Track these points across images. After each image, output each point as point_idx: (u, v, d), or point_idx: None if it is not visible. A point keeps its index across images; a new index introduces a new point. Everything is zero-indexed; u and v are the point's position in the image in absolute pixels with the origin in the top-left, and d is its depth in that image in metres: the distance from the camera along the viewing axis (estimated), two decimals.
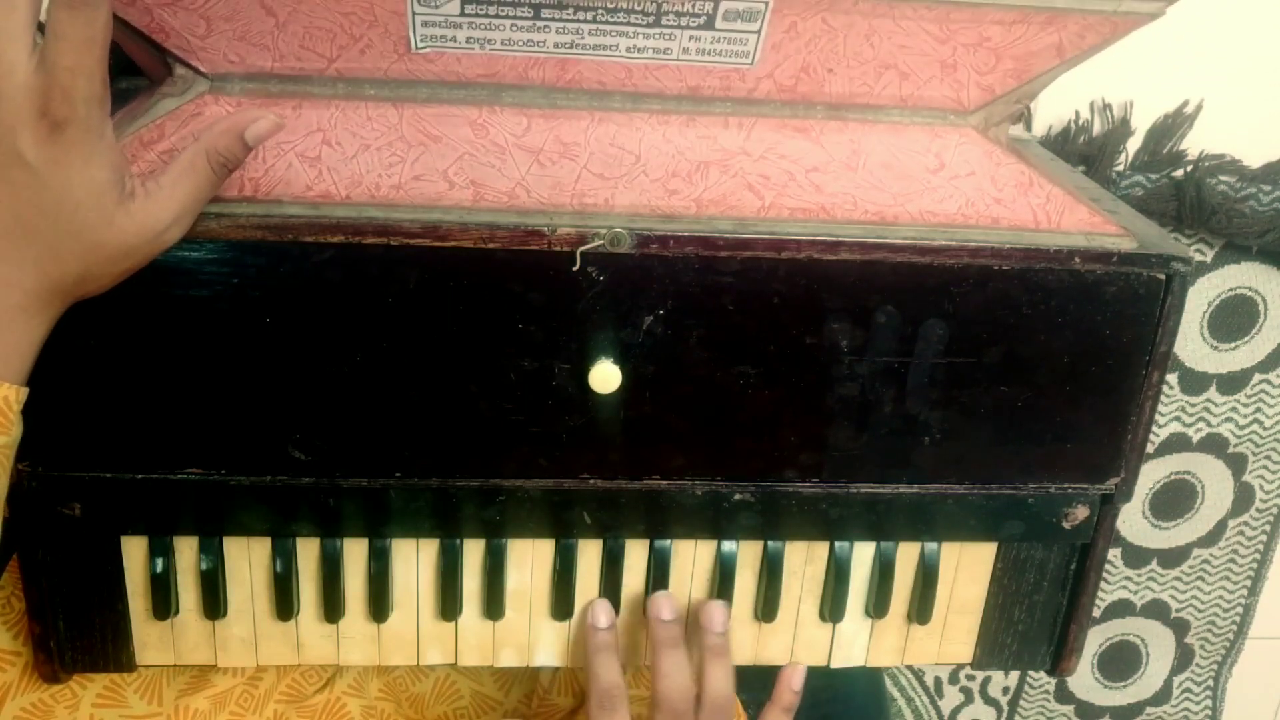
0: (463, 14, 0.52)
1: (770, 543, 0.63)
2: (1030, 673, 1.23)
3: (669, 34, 0.53)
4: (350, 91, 0.55)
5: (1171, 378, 1.06)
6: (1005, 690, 1.24)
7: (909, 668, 1.21)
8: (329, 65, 0.54)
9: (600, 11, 0.52)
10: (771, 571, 0.64)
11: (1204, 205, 0.94)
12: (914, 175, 0.58)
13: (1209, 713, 1.30)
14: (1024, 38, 0.55)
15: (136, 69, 0.57)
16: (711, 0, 0.52)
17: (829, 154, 0.57)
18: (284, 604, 0.62)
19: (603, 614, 0.63)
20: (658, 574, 0.63)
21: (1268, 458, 1.13)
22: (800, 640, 0.67)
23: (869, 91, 0.57)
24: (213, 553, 0.60)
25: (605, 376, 0.56)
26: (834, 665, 0.68)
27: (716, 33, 0.53)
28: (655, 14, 0.52)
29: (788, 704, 0.64)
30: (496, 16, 0.52)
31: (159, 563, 0.60)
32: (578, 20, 0.52)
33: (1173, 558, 1.18)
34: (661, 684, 0.60)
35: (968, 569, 0.66)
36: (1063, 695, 1.26)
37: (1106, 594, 1.19)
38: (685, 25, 0.53)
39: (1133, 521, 1.15)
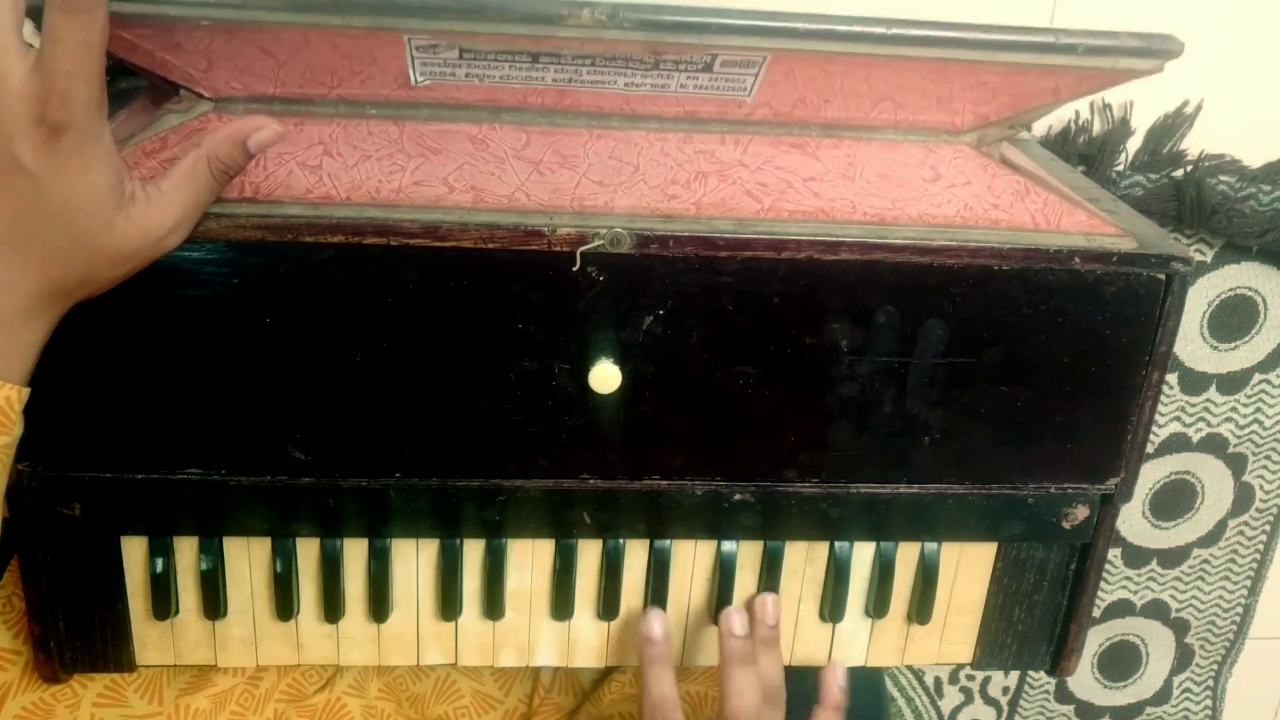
0: (461, 58, 0.52)
1: (770, 543, 0.63)
2: (1030, 673, 1.23)
3: (666, 75, 0.53)
4: (351, 111, 0.56)
5: (1171, 378, 1.06)
6: (1005, 690, 1.24)
7: (909, 668, 1.21)
8: (330, 91, 0.55)
9: (598, 59, 0.52)
10: (771, 571, 0.64)
11: (1204, 205, 0.94)
12: (911, 184, 0.58)
13: (1209, 713, 1.30)
14: (1021, 83, 0.55)
15: (136, 70, 0.57)
16: (709, 53, 0.52)
17: (825, 166, 0.57)
18: (284, 604, 0.62)
19: (657, 626, 0.62)
20: (658, 574, 0.63)
21: (1268, 458, 1.13)
22: (800, 640, 0.67)
23: (864, 116, 0.57)
24: (213, 553, 0.60)
25: (605, 376, 0.56)
26: None
27: (714, 74, 0.53)
28: (653, 63, 0.52)
29: (837, 703, 0.63)
30: (494, 62, 0.52)
31: (159, 563, 0.60)
32: (575, 64, 0.52)
33: (1173, 558, 1.18)
34: (734, 701, 0.59)
35: (968, 569, 0.66)
36: (1063, 695, 1.26)
37: (1106, 594, 1.19)
38: (683, 69, 0.53)
39: (1133, 521, 1.15)
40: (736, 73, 0.53)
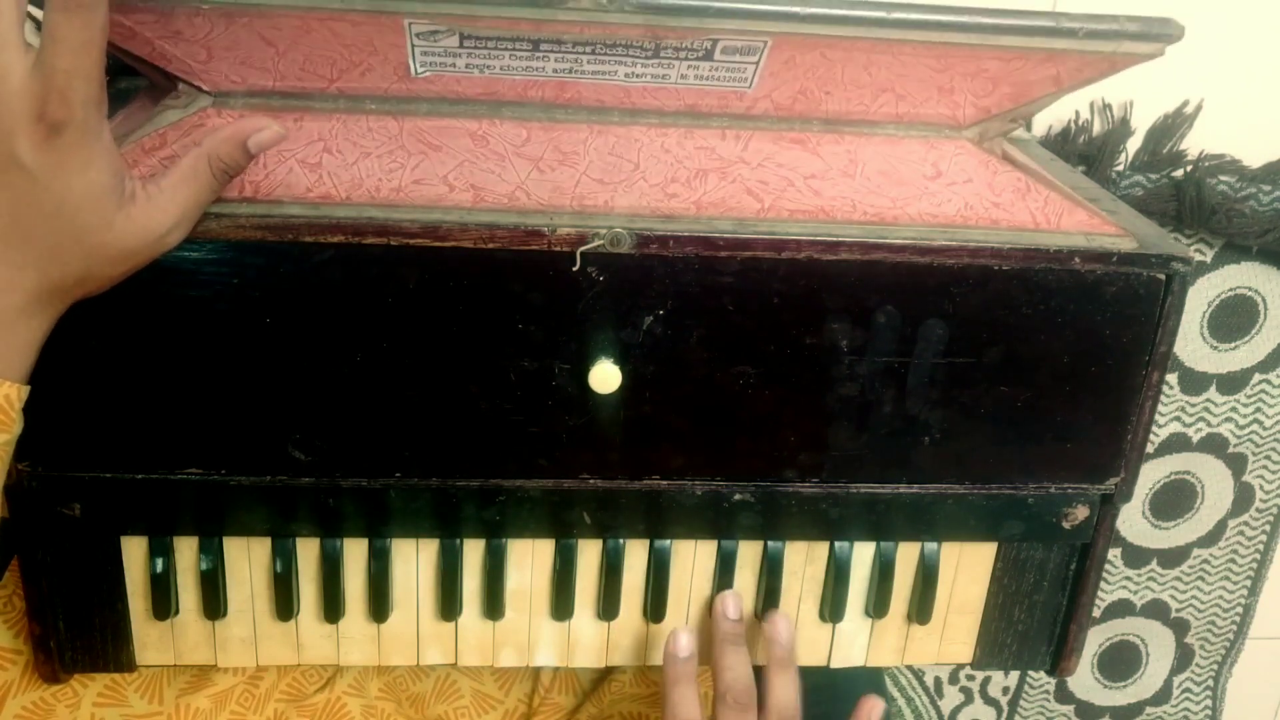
0: (461, 46, 0.52)
1: (770, 543, 0.63)
2: (1030, 673, 1.23)
3: (667, 64, 0.53)
4: (351, 106, 0.55)
5: (1171, 378, 1.06)
6: (1005, 690, 1.24)
7: (909, 668, 1.21)
8: (330, 85, 0.54)
9: (599, 45, 0.52)
10: (771, 571, 0.64)
11: (1204, 205, 0.94)
12: (911, 181, 0.58)
13: (1209, 713, 1.30)
14: (1022, 70, 0.55)
15: (136, 70, 0.57)
16: (710, 38, 0.52)
17: (826, 163, 0.57)
18: (284, 604, 0.62)
19: (684, 645, 0.63)
20: (658, 574, 0.63)
21: (1268, 458, 1.13)
22: (800, 640, 0.67)
23: (865, 110, 0.57)
24: (213, 553, 0.60)
25: (605, 376, 0.56)
26: (834, 665, 0.68)
27: (715, 63, 0.53)
28: (654, 49, 0.52)
29: None
30: (495, 49, 0.52)
31: (159, 563, 0.60)
32: (576, 52, 0.52)
33: (1173, 558, 1.18)
34: (726, 675, 0.61)
35: (968, 569, 0.66)
36: (1063, 695, 1.26)
37: (1106, 594, 1.19)
38: (684, 58, 0.53)
39: (1133, 521, 1.15)
40: (737, 61, 0.53)
